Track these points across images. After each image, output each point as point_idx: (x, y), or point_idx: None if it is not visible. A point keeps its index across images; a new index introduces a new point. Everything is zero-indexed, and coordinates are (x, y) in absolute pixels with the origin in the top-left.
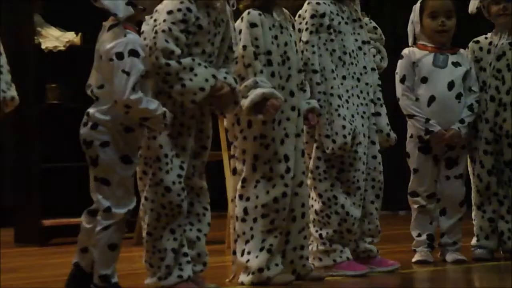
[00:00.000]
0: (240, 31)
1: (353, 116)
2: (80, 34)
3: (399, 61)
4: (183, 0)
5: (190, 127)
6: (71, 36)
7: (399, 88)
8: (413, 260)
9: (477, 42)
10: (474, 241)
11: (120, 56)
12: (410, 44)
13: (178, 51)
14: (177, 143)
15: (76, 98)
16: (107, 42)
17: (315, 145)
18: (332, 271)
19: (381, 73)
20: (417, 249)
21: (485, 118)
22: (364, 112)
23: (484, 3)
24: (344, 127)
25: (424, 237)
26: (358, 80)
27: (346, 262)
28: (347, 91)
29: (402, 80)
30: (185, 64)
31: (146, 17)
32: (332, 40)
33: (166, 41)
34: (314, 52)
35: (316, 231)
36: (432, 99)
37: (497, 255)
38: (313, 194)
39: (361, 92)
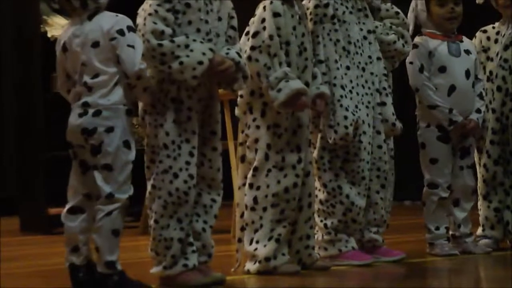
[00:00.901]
0: (263, 20)
1: (356, 106)
2: None
3: (413, 51)
4: None
5: (198, 111)
6: None
7: (418, 78)
8: (434, 252)
9: (485, 31)
10: (479, 231)
11: (121, 32)
12: (410, 32)
13: (168, 30)
14: (186, 128)
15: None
16: (103, 25)
17: (319, 135)
18: (338, 260)
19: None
20: (436, 242)
21: (492, 108)
22: (369, 102)
23: None
24: (346, 117)
25: (443, 230)
26: (363, 69)
27: (352, 252)
28: (351, 81)
29: (421, 70)
30: (178, 42)
31: (139, 9)
32: (336, 30)
33: (154, 22)
34: (319, 43)
35: (321, 221)
36: (452, 88)
37: (502, 245)
38: (317, 184)
39: (366, 81)
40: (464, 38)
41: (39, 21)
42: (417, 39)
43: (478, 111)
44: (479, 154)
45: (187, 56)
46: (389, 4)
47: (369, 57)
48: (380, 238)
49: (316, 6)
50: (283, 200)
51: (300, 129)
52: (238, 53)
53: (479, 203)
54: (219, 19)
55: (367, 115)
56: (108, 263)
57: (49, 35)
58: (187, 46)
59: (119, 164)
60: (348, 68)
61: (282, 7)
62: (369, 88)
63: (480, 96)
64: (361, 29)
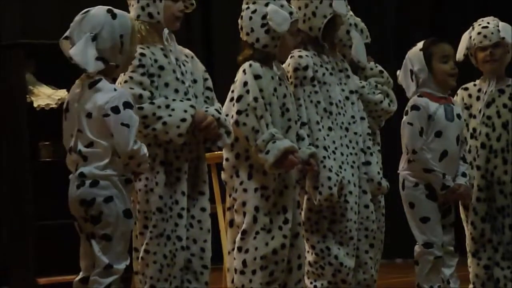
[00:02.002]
0: (245, 83)
1: (340, 166)
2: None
3: (414, 112)
4: (136, 49)
5: (186, 172)
6: (62, 94)
7: (417, 140)
8: None
9: (466, 89)
10: None
11: (116, 110)
12: (409, 96)
13: (146, 93)
14: (176, 189)
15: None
16: (97, 99)
17: (306, 196)
18: None
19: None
20: None
21: (476, 165)
22: (353, 162)
23: (471, 50)
24: (329, 178)
25: None
26: (347, 129)
27: None
28: (334, 142)
29: (421, 133)
30: (158, 103)
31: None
32: (316, 92)
33: (131, 88)
34: (300, 105)
35: (311, 283)
36: (444, 154)
37: None
38: (306, 246)
39: (350, 141)
40: (454, 101)
41: (26, 92)
42: (418, 101)
43: (464, 175)
44: (465, 211)
45: (169, 115)
46: (372, 63)
47: (352, 117)
48: None
49: (295, 69)
50: (272, 262)
51: (287, 190)
52: (217, 110)
53: (468, 260)
54: (194, 81)
55: (352, 175)
56: None
57: (35, 104)
58: (167, 106)
59: (118, 234)
60: (330, 129)
61: (262, 69)
62: (353, 148)
63: (464, 160)
64: (343, 90)
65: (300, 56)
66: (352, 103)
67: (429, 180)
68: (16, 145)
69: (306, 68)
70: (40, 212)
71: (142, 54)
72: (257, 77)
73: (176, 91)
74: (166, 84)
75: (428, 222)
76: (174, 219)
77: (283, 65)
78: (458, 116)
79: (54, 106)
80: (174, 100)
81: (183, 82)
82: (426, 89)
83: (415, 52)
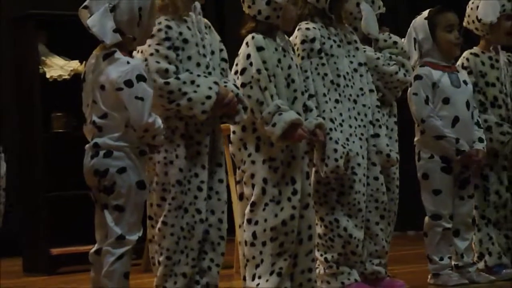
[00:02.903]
0: (248, 56)
1: (348, 139)
2: (84, 62)
3: (417, 82)
4: (161, 21)
5: (207, 145)
6: (75, 65)
7: (424, 109)
8: (440, 283)
9: (477, 55)
10: (492, 259)
11: (130, 83)
12: (413, 64)
13: (172, 67)
14: (196, 162)
15: (82, 126)
16: (110, 71)
17: (314, 169)
18: None
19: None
20: (441, 272)
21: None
22: (362, 134)
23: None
24: (335, 150)
25: (446, 260)
26: (355, 102)
27: (355, 284)
28: (341, 114)
29: (427, 101)
30: (184, 79)
31: (135, 52)
32: (323, 64)
33: (157, 61)
34: (307, 77)
35: (321, 255)
36: (456, 120)
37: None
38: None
39: (358, 114)
40: (459, 68)
41: (38, 62)
42: (420, 70)
43: (481, 140)
44: (484, 182)
45: (195, 91)
46: (386, 34)
47: (361, 89)
48: (383, 270)
49: (302, 42)
50: (282, 233)
51: (295, 161)
52: (235, 85)
53: (484, 231)
54: (212, 52)
55: (361, 147)
56: None
57: (47, 75)
58: (192, 82)
59: (131, 205)
60: (337, 101)
61: (264, 41)
62: (361, 120)
63: (478, 125)
64: (351, 62)
65: (307, 29)
66: (361, 75)
67: (443, 149)
68: (28, 116)
69: (313, 40)
70: (53, 183)
71: (168, 27)
72: (260, 49)
73: (198, 64)
74: (189, 58)
75: (440, 195)
76: (193, 192)
77: (290, 37)
78: (465, 82)
79: (66, 77)
80: (198, 75)
81: (204, 56)
82: (429, 59)
83: (420, 21)
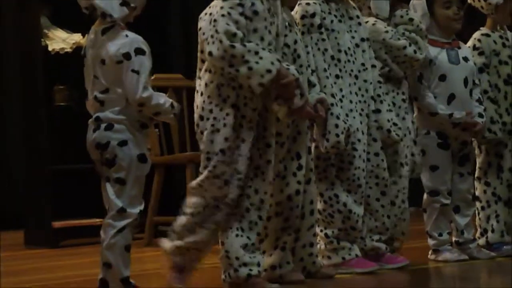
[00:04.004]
0: None
1: (347, 115)
2: (86, 35)
3: None
4: None
5: (251, 120)
6: (77, 38)
7: (417, 86)
8: (440, 258)
9: (488, 35)
10: (494, 236)
11: (128, 56)
12: None
13: (240, 33)
14: (238, 135)
15: (84, 100)
16: (109, 45)
17: (313, 144)
18: (341, 268)
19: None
20: (441, 248)
21: None
22: (362, 110)
23: None
24: (337, 125)
25: (446, 236)
26: (356, 77)
27: (355, 259)
28: (341, 89)
29: (420, 79)
30: (249, 47)
31: (202, 14)
32: (323, 40)
33: (227, 24)
34: (308, 53)
35: (321, 230)
36: (452, 97)
37: None
38: None
39: (360, 89)
40: (461, 44)
41: (40, 35)
42: None
43: (481, 115)
44: (498, 159)
45: (257, 62)
46: (404, 10)
47: (362, 64)
48: (383, 246)
49: (302, 17)
50: (287, 208)
51: (300, 136)
52: (296, 70)
53: (498, 207)
54: (277, 34)
55: (361, 122)
56: (124, 280)
57: (49, 48)
58: (257, 52)
59: (132, 178)
60: (338, 76)
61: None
62: (362, 95)
63: (479, 101)
64: (353, 37)
65: (307, 4)
66: (363, 51)
67: (439, 125)
68: (31, 89)
69: (313, 15)
70: (55, 156)
71: None
72: None
73: (262, 39)
74: (255, 30)
75: (437, 171)
76: (234, 164)
77: (292, 12)
78: (465, 59)
79: (68, 50)
80: (263, 49)
81: (270, 32)
82: (429, 36)
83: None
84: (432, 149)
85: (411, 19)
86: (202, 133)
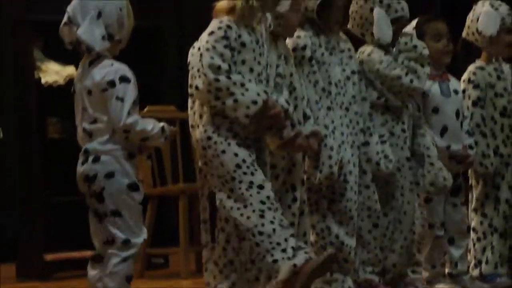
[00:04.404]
0: None
1: (340, 146)
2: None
3: None
4: (223, 20)
5: (250, 145)
6: (70, 70)
7: (416, 116)
8: None
9: (483, 68)
10: (488, 268)
11: (112, 84)
12: None
13: (225, 66)
14: (238, 153)
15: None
16: (95, 74)
17: (305, 176)
18: None
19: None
20: (434, 280)
21: (511, 143)
22: (353, 142)
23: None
24: (330, 157)
25: (439, 268)
26: (347, 109)
27: None
28: (333, 121)
29: (419, 109)
30: (235, 79)
31: (191, 48)
32: (314, 72)
33: (212, 57)
34: (301, 85)
35: None
36: (444, 129)
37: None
38: None
39: (350, 121)
40: (450, 77)
41: (34, 68)
42: None
43: (471, 147)
44: (495, 191)
45: (242, 94)
46: (409, 37)
47: (353, 97)
48: (376, 278)
49: (293, 49)
50: None
51: (295, 168)
52: (286, 101)
53: (493, 239)
54: (267, 64)
55: (352, 154)
56: None
57: (43, 81)
58: (242, 84)
59: (127, 208)
60: (329, 108)
61: None
62: (353, 128)
63: (468, 133)
64: (344, 70)
65: (298, 37)
66: (354, 84)
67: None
68: (24, 121)
69: (304, 48)
70: (48, 188)
71: (228, 27)
72: None
73: (251, 70)
74: (243, 62)
75: (431, 203)
76: (260, 173)
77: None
78: (455, 91)
79: (62, 82)
80: (250, 81)
81: (259, 63)
82: None
83: (409, 30)
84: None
85: (415, 46)
86: (206, 164)
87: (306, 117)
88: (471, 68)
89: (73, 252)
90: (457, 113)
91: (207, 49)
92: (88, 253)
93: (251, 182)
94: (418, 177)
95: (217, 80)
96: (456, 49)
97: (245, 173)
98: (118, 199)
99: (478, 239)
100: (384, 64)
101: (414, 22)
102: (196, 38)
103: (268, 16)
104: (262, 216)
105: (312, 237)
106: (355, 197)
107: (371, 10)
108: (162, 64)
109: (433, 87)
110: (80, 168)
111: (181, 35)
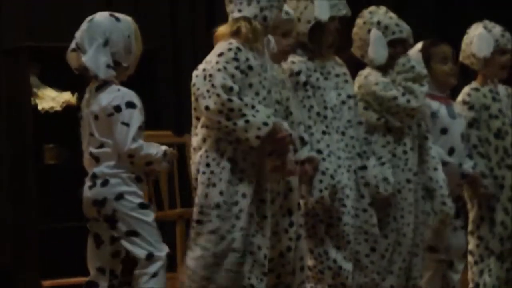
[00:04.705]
0: None
1: (336, 170)
2: (76, 94)
3: None
4: (232, 42)
5: (250, 174)
6: (67, 96)
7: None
8: None
9: (478, 90)
10: None
11: (118, 108)
12: None
13: (236, 88)
14: (237, 190)
15: (73, 158)
16: (101, 99)
17: (302, 201)
18: None
19: None
20: None
21: (506, 165)
22: (350, 166)
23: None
24: (321, 181)
25: None
26: (343, 133)
27: None
28: (328, 146)
29: (428, 130)
30: (246, 101)
31: (195, 71)
32: (309, 97)
33: (224, 78)
34: (297, 109)
35: (311, 287)
36: (452, 150)
37: None
38: None
39: (346, 146)
40: (451, 101)
41: (30, 94)
42: None
43: (473, 169)
44: (491, 213)
45: (253, 115)
46: (406, 58)
47: (349, 121)
48: None
49: (289, 75)
50: (279, 265)
51: (291, 193)
52: (288, 126)
53: (490, 262)
54: (269, 91)
55: (349, 178)
56: None
57: (39, 107)
58: (253, 106)
59: (142, 227)
60: (324, 133)
61: None
62: (349, 152)
63: (470, 156)
64: (339, 94)
65: (292, 62)
66: (349, 108)
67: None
68: (20, 147)
69: (298, 73)
70: (44, 214)
71: (238, 49)
72: None
73: (257, 93)
74: (250, 85)
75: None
76: (232, 220)
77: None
78: (459, 114)
79: (58, 109)
80: (259, 102)
81: (263, 87)
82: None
83: (414, 53)
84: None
85: (412, 67)
86: (198, 186)
87: (303, 142)
88: (466, 89)
89: (70, 278)
90: (462, 136)
91: (219, 70)
92: (85, 279)
93: (218, 228)
94: (426, 210)
95: (230, 100)
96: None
97: (218, 216)
98: (132, 218)
99: (475, 262)
100: (380, 86)
101: (419, 45)
102: (192, 61)
103: (271, 38)
104: (204, 268)
105: (310, 262)
106: (352, 221)
107: (369, 31)
108: (157, 88)
109: (441, 108)
110: (88, 193)
111: (176, 58)
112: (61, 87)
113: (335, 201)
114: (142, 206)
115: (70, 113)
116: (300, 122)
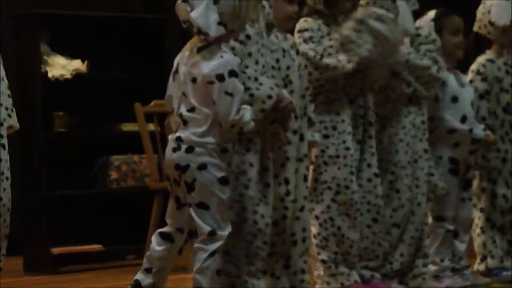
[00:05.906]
0: None
1: (344, 141)
2: (86, 62)
3: None
4: (252, 15)
5: (256, 143)
6: (77, 64)
7: (433, 107)
8: (444, 285)
9: (493, 61)
10: (494, 262)
11: (221, 77)
12: None
13: (237, 59)
14: (244, 159)
15: (83, 126)
16: (203, 64)
17: (311, 167)
18: None
19: None
20: (441, 274)
21: (510, 139)
22: (353, 135)
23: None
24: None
25: (447, 262)
26: (352, 102)
27: (354, 285)
28: (339, 113)
29: (436, 99)
30: (249, 74)
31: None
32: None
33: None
34: (299, 78)
35: (318, 253)
36: (464, 118)
37: None
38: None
39: (354, 115)
40: (457, 72)
41: (40, 62)
42: None
43: (485, 130)
44: (492, 185)
45: (257, 89)
46: (428, 31)
47: (361, 90)
48: (368, 273)
49: (298, 31)
50: (273, 233)
51: (288, 162)
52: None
53: (487, 234)
54: (268, 55)
55: (356, 148)
56: None
57: (49, 75)
58: (256, 78)
59: (215, 202)
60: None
61: None
62: (355, 121)
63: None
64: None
65: (305, 20)
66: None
67: (452, 149)
68: (30, 115)
69: (308, 29)
70: (54, 182)
71: None
72: None
73: (257, 62)
74: (250, 54)
75: (446, 197)
76: (240, 189)
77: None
78: (467, 84)
79: (68, 76)
80: (261, 74)
81: (262, 55)
82: None
83: (426, 22)
84: (443, 175)
85: (433, 40)
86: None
87: (311, 122)
88: (481, 59)
89: (80, 246)
90: (472, 104)
91: None
92: (95, 247)
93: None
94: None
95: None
96: (467, 43)
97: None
98: (208, 191)
99: (478, 234)
100: (412, 55)
101: (431, 14)
102: None
103: (266, 4)
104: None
105: (315, 229)
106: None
107: (393, 1)
108: (167, 57)
109: (450, 77)
110: (172, 155)
111: (185, 28)
112: (71, 55)
113: (342, 168)
114: (221, 181)
115: (80, 81)
116: (304, 94)
